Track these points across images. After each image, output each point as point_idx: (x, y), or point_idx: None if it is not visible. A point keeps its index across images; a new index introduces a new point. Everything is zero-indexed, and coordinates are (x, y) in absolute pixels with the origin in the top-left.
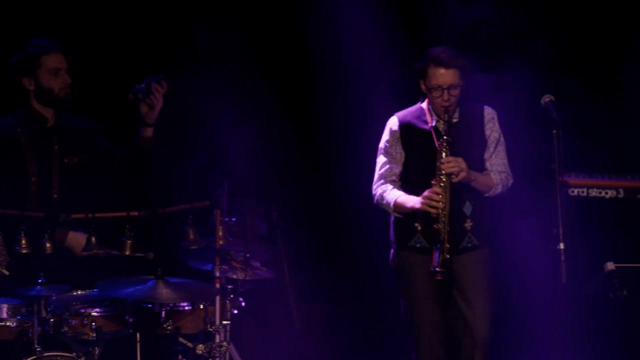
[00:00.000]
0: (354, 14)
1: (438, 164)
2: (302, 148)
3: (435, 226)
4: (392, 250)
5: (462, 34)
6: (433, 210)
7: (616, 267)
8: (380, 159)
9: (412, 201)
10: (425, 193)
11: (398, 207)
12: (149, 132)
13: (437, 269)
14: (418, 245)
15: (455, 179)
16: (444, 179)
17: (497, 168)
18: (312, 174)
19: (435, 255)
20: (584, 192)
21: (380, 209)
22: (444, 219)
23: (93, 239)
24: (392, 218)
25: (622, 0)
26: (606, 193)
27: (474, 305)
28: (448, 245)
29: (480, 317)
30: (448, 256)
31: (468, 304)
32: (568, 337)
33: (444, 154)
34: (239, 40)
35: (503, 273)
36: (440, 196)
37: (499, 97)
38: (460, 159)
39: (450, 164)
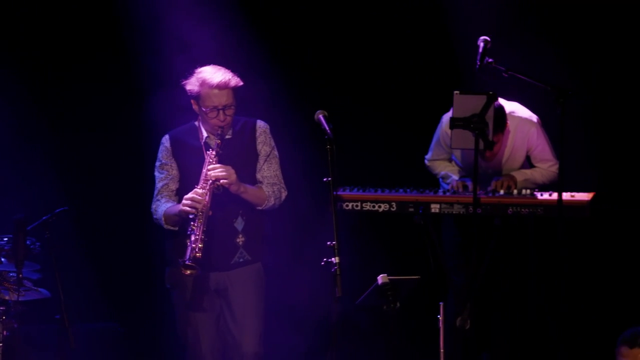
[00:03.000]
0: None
1: (204, 170)
2: (77, 166)
3: (192, 224)
4: (166, 269)
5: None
6: (192, 210)
7: (389, 279)
8: (157, 176)
9: (177, 207)
10: (187, 195)
11: (167, 217)
12: None
13: (186, 263)
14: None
15: (222, 183)
16: (208, 184)
17: (268, 180)
18: (86, 191)
19: (188, 250)
20: (357, 206)
21: (158, 225)
22: (201, 219)
23: None
24: (166, 236)
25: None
26: (379, 207)
27: (242, 322)
28: (201, 245)
29: (249, 334)
30: (199, 255)
31: (237, 321)
32: (345, 348)
33: (211, 162)
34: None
35: (278, 288)
36: (201, 197)
37: (276, 111)
38: (228, 167)
39: (217, 170)
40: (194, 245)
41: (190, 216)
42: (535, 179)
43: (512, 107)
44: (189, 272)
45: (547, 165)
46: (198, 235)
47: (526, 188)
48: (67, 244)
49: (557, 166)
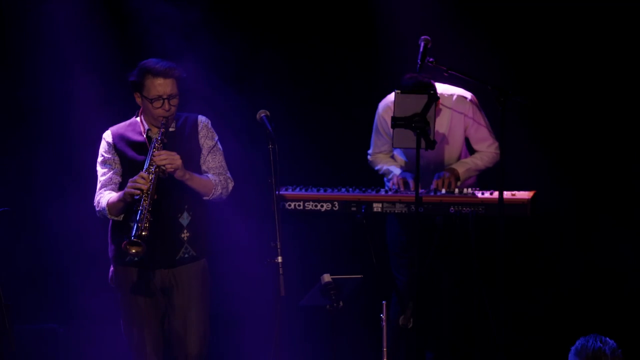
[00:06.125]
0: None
1: (150, 157)
2: (16, 166)
3: (136, 206)
4: (111, 268)
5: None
6: (136, 192)
7: (332, 278)
8: (100, 170)
9: (121, 193)
10: (133, 178)
11: (111, 206)
12: None
13: (132, 239)
14: (136, 259)
15: (167, 168)
16: (153, 170)
17: (214, 171)
18: (27, 191)
19: (134, 228)
20: (300, 205)
21: (102, 218)
22: (146, 200)
23: None
24: (110, 234)
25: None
26: (322, 206)
27: (187, 320)
28: (147, 225)
29: (194, 333)
30: (145, 233)
31: (181, 319)
32: (287, 348)
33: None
34: None
35: (223, 285)
36: (145, 180)
37: (216, 109)
38: (174, 153)
39: (162, 156)
40: (139, 224)
41: (136, 197)
42: (477, 165)
43: (445, 87)
44: (134, 249)
45: (486, 145)
46: (144, 214)
47: (468, 187)
48: (6, 244)
49: (496, 145)
